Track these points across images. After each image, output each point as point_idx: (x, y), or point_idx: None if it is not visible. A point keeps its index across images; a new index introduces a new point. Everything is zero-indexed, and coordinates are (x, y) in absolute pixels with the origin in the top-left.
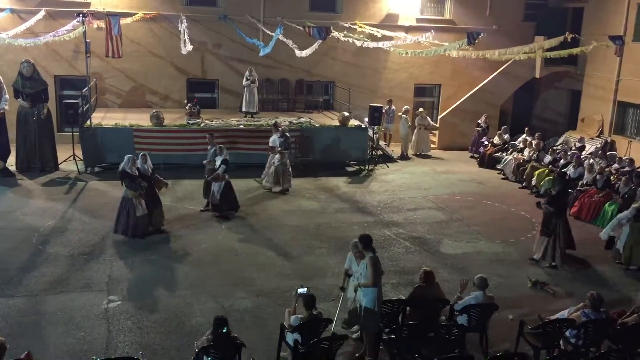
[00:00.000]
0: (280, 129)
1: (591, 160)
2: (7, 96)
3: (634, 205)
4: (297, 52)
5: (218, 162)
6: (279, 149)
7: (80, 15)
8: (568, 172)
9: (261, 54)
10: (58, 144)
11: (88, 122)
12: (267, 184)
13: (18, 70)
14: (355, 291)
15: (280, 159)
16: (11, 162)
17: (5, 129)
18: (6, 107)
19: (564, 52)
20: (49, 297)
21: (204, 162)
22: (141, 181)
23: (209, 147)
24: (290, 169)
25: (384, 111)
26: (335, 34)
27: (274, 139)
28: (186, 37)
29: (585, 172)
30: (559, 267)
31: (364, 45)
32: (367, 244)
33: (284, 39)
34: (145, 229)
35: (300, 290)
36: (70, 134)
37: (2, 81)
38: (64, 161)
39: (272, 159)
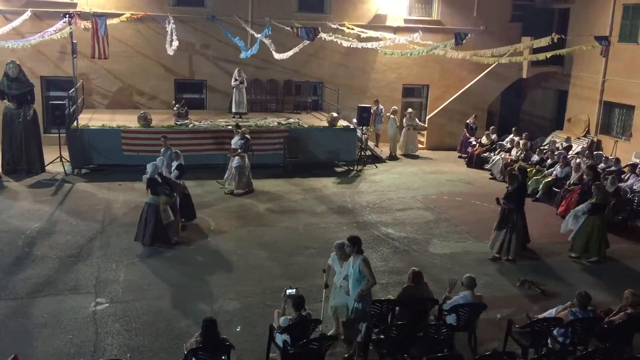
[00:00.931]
0: (240, 130)
1: (578, 160)
2: None
3: (590, 200)
4: (276, 55)
5: (173, 168)
6: (239, 150)
7: (67, 15)
8: (555, 172)
9: (242, 56)
10: (44, 146)
11: (75, 123)
12: (228, 187)
13: (3, 71)
14: (348, 294)
15: (240, 161)
16: None
17: None
18: None
19: (550, 53)
20: (36, 300)
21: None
22: (167, 187)
23: (162, 150)
24: (249, 172)
25: (372, 112)
26: (323, 35)
27: (236, 141)
28: (173, 37)
29: (572, 172)
30: (516, 261)
31: (351, 46)
32: (357, 245)
33: (265, 41)
34: (172, 237)
35: (289, 292)
36: (57, 135)
37: None
38: (51, 163)
39: (232, 161)
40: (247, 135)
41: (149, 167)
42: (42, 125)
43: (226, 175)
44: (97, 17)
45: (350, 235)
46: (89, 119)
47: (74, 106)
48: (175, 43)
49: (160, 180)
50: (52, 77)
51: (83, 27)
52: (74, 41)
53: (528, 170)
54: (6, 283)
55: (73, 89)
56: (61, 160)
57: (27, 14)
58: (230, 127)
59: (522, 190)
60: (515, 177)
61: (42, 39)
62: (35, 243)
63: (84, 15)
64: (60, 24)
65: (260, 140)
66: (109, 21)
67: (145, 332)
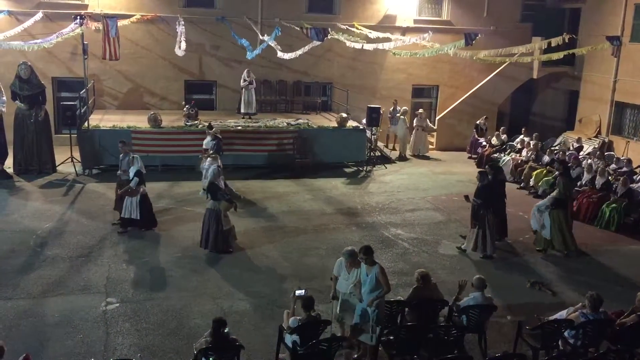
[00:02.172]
0: (211, 131)
1: (589, 161)
2: (4, 98)
3: (551, 194)
4: (280, 54)
5: (132, 174)
6: (211, 152)
7: (78, 17)
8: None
9: (247, 56)
10: (56, 146)
11: (86, 124)
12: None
13: (15, 72)
14: (361, 300)
15: (212, 162)
16: (9, 165)
17: (3, 131)
18: (4, 110)
19: (561, 54)
20: (47, 300)
21: (118, 172)
22: (228, 193)
23: (121, 155)
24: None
25: (389, 112)
26: (333, 35)
27: (207, 142)
28: (182, 38)
29: (585, 172)
30: (494, 257)
31: (357, 48)
32: (371, 255)
33: (271, 43)
34: (231, 243)
35: (298, 292)
36: (68, 135)
37: None
38: (62, 163)
39: (204, 162)
40: (219, 136)
41: (210, 172)
42: (54, 126)
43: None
44: (108, 19)
45: (363, 246)
46: (99, 120)
47: (85, 107)
48: (184, 45)
49: (223, 186)
50: (63, 78)
51: (94, 28)
52: (85, 42)
53: (538, 171)
54: (18, 282)
55: (84, 90)
56: (72, 161)
57: (39, 15)
58: (240, 127)
59: (493, 187)
60: (485, 174)
61: (57, 40)
62: (46, 243)
63: (95, 17)
64: (72, 26)
65: (270, 141)
66: (120, 22)
67: (155, 332)
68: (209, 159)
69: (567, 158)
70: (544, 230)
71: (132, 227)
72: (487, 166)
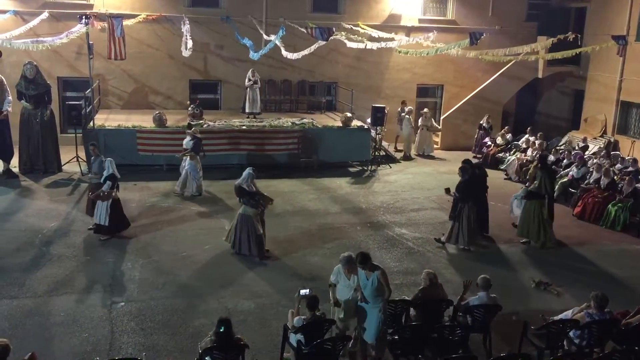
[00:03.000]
0: (190, 130)
1: (595, 160)
2: (10, 98)
3: (524, 186)
4: (285, 53)
5: (103, 178)
6: (190, 152)
7: (84, 17)
8: (571, 173)
9: (251, 56)
10: (61, 146)
11: (91, 123)
12: (182, 190)
13: (21, 72)
14: (366, 302)
15: (191, 162)
16: (14, 164)
17: (9, 130)
18: (9, 109)
19: (566, 53)
20: (53, 299)
21: (89, 176)
22: (259, 198)
23: (92, 158)
24: (201, 173)
25: (398, 114)
26: (337, 35)
27: (187, 141)
28: (188, 39)
29: (594, 172)
30: (467, 249)
31: (359, 47)
32: (369, 262)
33: (277, 42)
34: (264, 248)
35: (302, 292)
36: (74, 135)
37: (5, 83)
38: (67, 162)
39: (184, 163)
40: (198, 135)
41: (243, 176)
42: (59, 125)
43: (180, 178)
44: (114, 18)
45: (359, 253)
46: (104, 119)
47: (90, 107)
48: (190, 44)
49: (254, 190)
50: (68, 77)
51: (100, 28)
52: (90, 42)
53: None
54: (23, 282)
55: (89, 90)
56: (77, 160)
57: (44, 15)
58: (244, 127)
59: (470, 183)
60: (465, 169)
61: (63, 40)
62: (52, 242)
63: (100, 17)
64: (78, 25)
65: (275, 141)
66: (125, 22)
67: (160, 331)
68: (187, 158)
69: (572, 158)
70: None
71: (101, 233)
72: (464, 162)
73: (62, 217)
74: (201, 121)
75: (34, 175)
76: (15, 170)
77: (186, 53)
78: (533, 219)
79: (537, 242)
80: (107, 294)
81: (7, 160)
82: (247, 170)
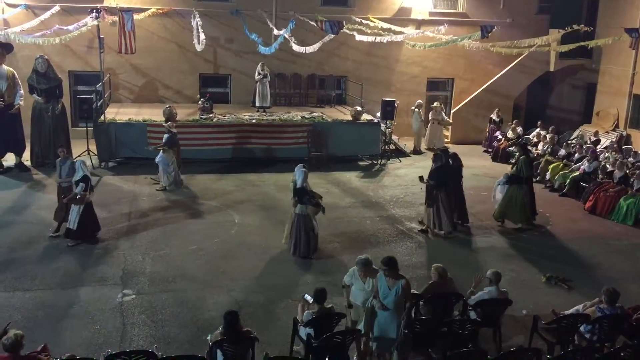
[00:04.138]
0: (166, 125)
1: (607, 154)
2: (22, 92)
3: (505, 172)
4: (297, 48)
5: (75, 179)
6: (164, 146)
7: (94, 11)
8: (582, 167)
9: (261, 51)
10: (72, 139)
11: (102, 117)
12: (162, 183)
13: (32, 66)
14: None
15: (163, 156)
16: (26, 157)
17: (21, 124)
18: (21, 103)
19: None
20: (65, 291)
21: (58, 181)
22: (313, 197)
23: (59, 161)
24: (174, 167)
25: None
26: (346, 30)
27: (165, 136)
28: (200, 33)
29: (609, 166)
30: (450, 234)
31: (376, 40)
32: (395, 268)
33: (287, 35)
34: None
35: (307, 297)
36: (85, 129)
37: (17, 77)
38: (79, 156)
39: (157, 156)
40: (173, 130)
41: (299, 176)
42: (70, 119)
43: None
44: (124, 12)
45: (386, 257)
46: (115, 113)
47: (101, 100)
48: (203, 38)
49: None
50: (79, 71)
51: (110, 22)
52: (101, 36)
53: (555, 164)
54: (36, 274)
55: (100, 84)
56: (89, 154)
57: (55, 8)
58: (254, 120)
59: (444, 169)
60: (438, 157)
61: (71, 34)
62: (63, 235)
63: (111, 10)
64: (88, 19)
65: (284, 134)
66: (135, 16)
67: (170, 324)
68: (162, 152)
69: (584, 152)
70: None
71: (70, 238)
72: (439, 150)
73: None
74: (211, 115)
75: (45, 168)
76: (27, 163)
77: (199, 47)
78: (515, 202)
79: (517, 223)
80: (118, 286)
81: (19, 154)
82: (301, 169)
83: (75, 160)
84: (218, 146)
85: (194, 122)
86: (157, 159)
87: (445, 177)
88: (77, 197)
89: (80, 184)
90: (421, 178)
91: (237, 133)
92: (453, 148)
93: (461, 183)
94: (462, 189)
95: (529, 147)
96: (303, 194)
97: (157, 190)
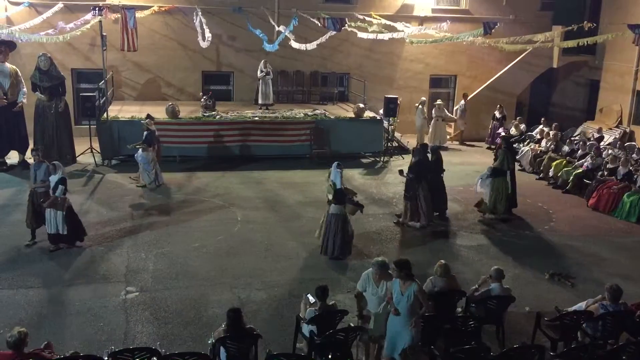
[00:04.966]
0: (144, 122)
1: (610, 151)
2: (25, 89)
3: (489, 165)
4: (296, 45)
5: (53, 182)
6: (143, 144)
7: (97, 8)
8: (585, 163)
9: (266, 48)
10: (75, 137)
11: (105, 115)
12: (142, 181)
13: (35, 64)
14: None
15: (142, 154)
16: (29, 155)
17: (24, 122)
18: (24, 101)
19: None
20: (68, 288)
21: (32, 186)
22: (351, 196)
23: (34, 165)
24: (154, 165)
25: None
26: (348, 28)
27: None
28: (205, 30)
29: (609, 163)
30: (426, 226)
31: (377, 37)
32: (407, 270)
33: (289, 35)
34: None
35: (310, 298)
36: (88, 126)
37: (20, 75)
38: (82, 154)
39: (136, 154)
40: (152, 128)
41: (337, 176)
42: (73, 116)
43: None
44: (126, 10)
45: (399, 259)
46: (118, 111)
47: (104, 98)
48: (208, 35)
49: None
50: (82, 69)
51: (113, 19)
52: (104, 34)
53: (558, 161)
54: (39, 272)
55: (103, 81)
56: (92, 152)
57: (59, 6)
58: (257, 118)
59: (422, 163)
60: (417, 151)
61: (73, 32)
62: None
63: (113, 8)
64: (89, 17)
65: (287, 132)
66: (138, 14)
67: (174, 321)
68: (141, 150)
69: (587, 148)
70: (486, 197)
71: (62, 243)
72: (419, 145)
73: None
74: (214, 112)
75: None
76: (30, 161)
77: (204, 44)
78: (502, 194)
79: (500, 214)
80: (122, 283)
81: (22, 152)
82: (337, 170)
83: (53, 163)
84: (221, 144)
85: (196, 120)
86: (136, 157)
87: (425, 171)
88: (58, 200)
89: (60, 186)
90: (401, 172)
91: (239, 131)
92: (456, 145)
93: (442, 176)
94: (443, 182)
95: (533, 143)
96: (344, 195)
97: (137, 186)
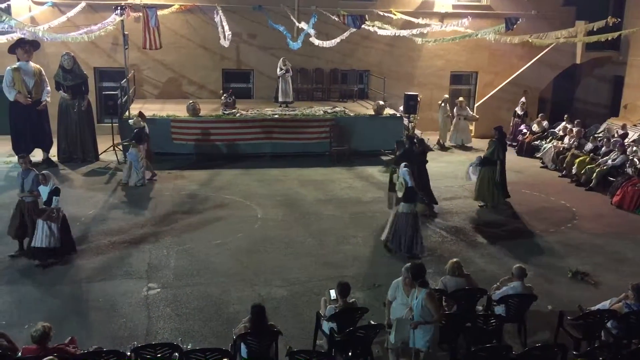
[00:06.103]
0: (132, 120)
1: (635, 148)
2: (48, 88)
3: (478, 155)
4: (316, 41)
5: (44, 195)
6: (131, 141)
7: (119, 7)
8: (609, 160)
9: (292, 46)
10: (98, 135)
11: (127, 113)
12: (123, 179)
13: (59, 63)
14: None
15: (132, 152)
16: (53, 153)
17: (48, 120)
18: (48, 99)
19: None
20: (91, 285)
21: (20, 195)
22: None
23: (21, 172)
24: (142, 162)
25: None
26: (368, 26)
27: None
28: (226, 29)
29: (638, 162)
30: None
31: (395, 35)
32: (418, 276)
33: (310, 32)
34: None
35: (332, 294)
36: (110, 125)
37: (44, 74)
38: (104, 152)
39: (128, 152)
40: (141, 124)
41: (407, 175)
42: (96, 115)
43: (125, 168)
44: (148, 9)
45: (411, 263)
46: (140, 109)
47: (126, 96)
48: (228, 33)
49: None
50: (105, 68)
51: (134, 18)
52: (126, 32)
53: (581, 158)
54: (62, 269)
55: (125, 80)
56: (114, 149)
57: (81, 5)
58: (277, 116)
59: (408, 155)
60: (401, 143)
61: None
62: (90, 229)
63: (135, 7)
64: (112, 16)
65: (307, 129)
66: (159, 12)
67: (195, 317)
68: (132, 148)
69: (612, 145)
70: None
71: (50, 258)
72: (405, 136)
73: (99, 205)
74: (234, 110)
75: (72, 164)
76: (54, 159)
77: (225, 43)
78: (487, 184)
79: (489, 204)
80: (144, 280)
81: (46, 150)
82: (405, 169)
83: (42, 173)
84: (241, 141)
85: (216, 118)
86: (128, 155)
87: (410, 162)
88: (53, 212)
89: (55, 197)
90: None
91: (260, 128)
92: (478, 142)
93: (425, 167)
94: (427, 172)
95: (555, 140)
96: (415, 194)
97: (122, 183)
